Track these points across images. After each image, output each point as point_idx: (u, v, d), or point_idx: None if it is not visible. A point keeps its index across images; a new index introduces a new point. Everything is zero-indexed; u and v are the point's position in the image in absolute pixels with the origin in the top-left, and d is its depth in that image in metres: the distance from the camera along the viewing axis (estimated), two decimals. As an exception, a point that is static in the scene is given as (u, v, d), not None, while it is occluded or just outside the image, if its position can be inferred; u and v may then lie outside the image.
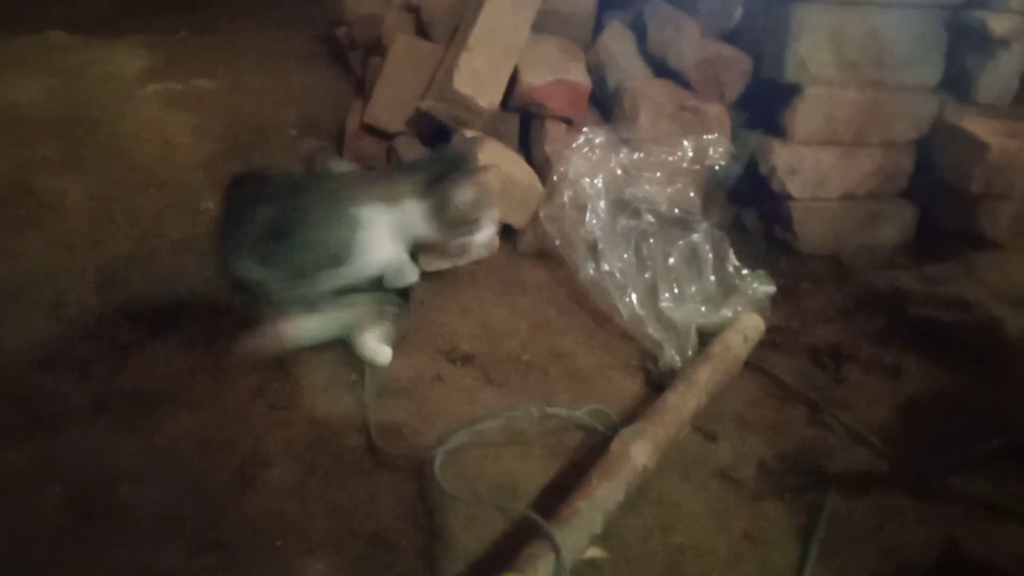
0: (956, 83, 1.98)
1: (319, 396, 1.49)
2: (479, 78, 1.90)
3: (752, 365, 1.65)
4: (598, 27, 2.22)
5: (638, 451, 1.29)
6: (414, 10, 2.28)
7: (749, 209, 2.10)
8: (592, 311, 1.76)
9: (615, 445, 1.30)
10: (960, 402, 1.60)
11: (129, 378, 1.49)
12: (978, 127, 1.91)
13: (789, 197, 1.98)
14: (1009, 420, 1.47)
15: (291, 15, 3.24)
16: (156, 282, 1.78)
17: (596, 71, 2.10)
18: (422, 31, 2.25)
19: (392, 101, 2.09)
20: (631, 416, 1.45)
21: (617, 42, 2.13)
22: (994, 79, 1.94)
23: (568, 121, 2.03)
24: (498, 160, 1.91)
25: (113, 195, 2.02)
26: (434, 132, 2.02)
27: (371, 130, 2.13)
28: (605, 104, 2.10)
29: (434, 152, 1.91)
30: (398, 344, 1.59)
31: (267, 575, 1.17)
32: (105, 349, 1.56)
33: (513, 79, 1.96)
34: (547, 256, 1.91)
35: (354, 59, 2.64)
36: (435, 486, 1.24)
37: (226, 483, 1.30)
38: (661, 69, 2.08)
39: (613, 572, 1.20)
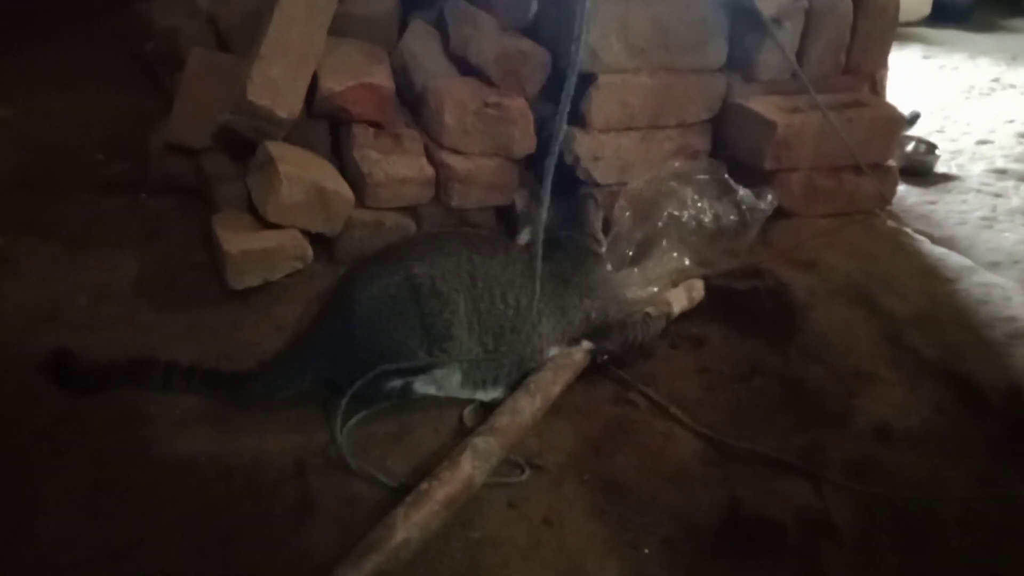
0: (740, 63, 2.09)
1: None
2: (275, 88, 1.86)
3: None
4: (404, 28, 2.21)
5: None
6: (213, 20, 2.21)
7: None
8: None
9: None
10: (755, 365, 1.70)
11: None
12: (763, 106, 2.02)
13: (595, 184, 2.03)
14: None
15: (101, 31, 3.06)
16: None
17: (402, 73, 2.09)
18: (222, 42, 2.18)
19: (194, 117, 2.01)
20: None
21: (420, 42, 2.13)
22: (771, 57, 2.05)
23: (377, 125, 2.01)
24: (305, 169, 1.88)
25: None
26: (242, 145, 1.97)
27: (177, 148, 2.05)
28: (415, 105, 2.10)
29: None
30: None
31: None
32: None
33: (315, 85, 1.93)
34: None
35: (164, 75, 2.52)
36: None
37: None
38: (465, 67, 2.09)
39: (410, 573, 1.20)
